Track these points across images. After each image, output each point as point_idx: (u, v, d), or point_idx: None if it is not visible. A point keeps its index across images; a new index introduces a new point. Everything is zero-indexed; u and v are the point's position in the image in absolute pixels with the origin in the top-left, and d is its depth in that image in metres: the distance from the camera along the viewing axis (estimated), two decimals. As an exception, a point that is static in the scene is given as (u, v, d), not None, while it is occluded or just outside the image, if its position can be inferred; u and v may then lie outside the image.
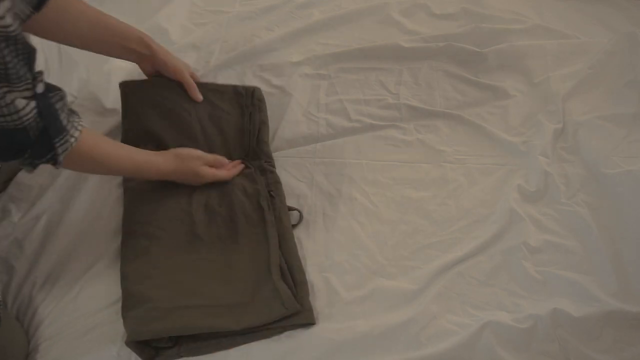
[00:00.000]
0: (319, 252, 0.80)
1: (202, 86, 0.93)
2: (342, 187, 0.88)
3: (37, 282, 0.75)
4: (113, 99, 0.99)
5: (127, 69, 1.07)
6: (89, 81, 1.03)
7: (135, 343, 0.67)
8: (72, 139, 0.67)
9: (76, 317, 0.72)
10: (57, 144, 0.64)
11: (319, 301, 0.74)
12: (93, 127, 0.94)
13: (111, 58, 1.07)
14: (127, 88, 0.92)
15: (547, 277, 0.75)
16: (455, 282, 0.76)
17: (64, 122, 0.65)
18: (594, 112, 0.95)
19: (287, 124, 0.97)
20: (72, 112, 0.68)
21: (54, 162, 0.66)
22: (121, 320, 0.70)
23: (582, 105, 0.96)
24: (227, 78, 1.06)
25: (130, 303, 0.71)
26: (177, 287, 0.73)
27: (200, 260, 0.77)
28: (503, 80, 1.04)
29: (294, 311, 0.70)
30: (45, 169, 0.87)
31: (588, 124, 0.93)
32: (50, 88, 0.65)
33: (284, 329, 0.70)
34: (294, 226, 0.83)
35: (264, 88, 1.04)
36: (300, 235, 0.82)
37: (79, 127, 0.68)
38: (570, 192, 0.85)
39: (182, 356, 0.68)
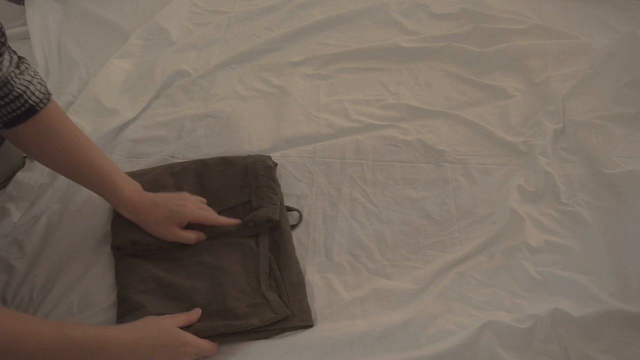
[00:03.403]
0: (319, 252, 0.80)
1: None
2: (342, 187, 0.88)
3: (37, 282, 0.75)
4: (113, 99, 0.99)
5: (127, 69, 1.07)
6: (89, 81, 1.04)
7: None
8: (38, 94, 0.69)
9: (76, 317, 0.72)
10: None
11: (319, 301, 0.74)
12: (93, 127, 0.95)
13: (111, 58, 1.08)
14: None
15: (547, 277, 0.75)
16: (455, 282, 0.76)
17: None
18: (594, 112, 0.95)
19: (287, 124, 0.97)
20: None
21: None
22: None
23: (582, 105, 0.96)
24: (227, 78, 1.06)
25: (123, 310, 0.71)
26: (168, 291, 0.73)
27: (191, 264, 0.77)
28: (503, 80, 1.04)
29: (283, 317, 0.70)
30: (45, 168, 0.88)
31: (588, 124, 0.93)
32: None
33: (282, 331, 0.70)
34: (294, 226, 0.83)
35: (264, 88, 1.05)
36: (300, 235, 0.82)
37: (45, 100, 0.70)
38: (570, 192, 0.85)
39: None
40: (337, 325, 0.71)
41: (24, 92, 0.68)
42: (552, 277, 0.75)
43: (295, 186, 0.88)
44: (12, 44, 1.17)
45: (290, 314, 0.71)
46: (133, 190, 0.78)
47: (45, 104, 0.71)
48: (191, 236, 0.78)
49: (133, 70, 1.07)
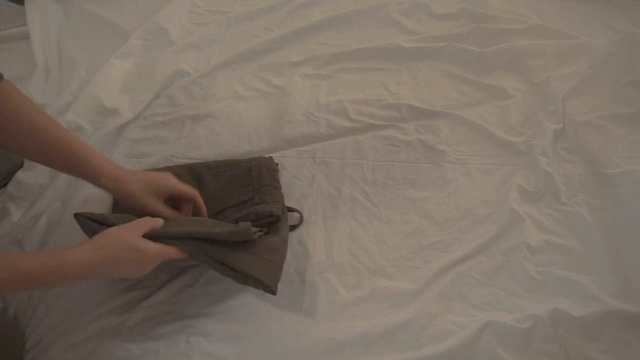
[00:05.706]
0: (319, 252, 0.80)
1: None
2: (342, 187, 0.88)
3: (37, 282, 0.75)
4: (113, 99, 0.99)
5: (127, 69, 1.07)
6: (89, 81, 1.04)
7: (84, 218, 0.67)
8: None
9: (76, 315, 0.72)
10: None
11: (319, 301, 0.74)
12: (93, 127, 0.95)
13: (111, 57, 1.08)
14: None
15: (547, 277, 0.75)
16: (456, 282, 0.76)
17: None
18: (594, 112, 0.95)
19: (287, 124, 0.97)
20: None
21: None
22: (122, 317, 0.71)
23: (582, 105, 0.96)
24: (227, 78, 1.06)
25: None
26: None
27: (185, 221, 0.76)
28: (503, 80, 1.04)
29: (245, 233, 0.68)
30: (45, 168, 0.88)
31: (588, 124, 0.93)
32: None
33: (246, 278, 0.68)
34: (295, 227, 0.83)
35: (264, 88, 1.05)
36: (300, 235, 0.82)
37: None
38: (570, 192, 0.85)
39: None
40: (337, 326, 0.71)
41: None
42: (552, 277, 0.75)
43: (295, 186, 0.88)
44: (12, 44, 1.17)
45: (253, 237, 0.69)
46: (111, 164, 0.73)
47: None
48: (167, 211, 0.74)
49: (133, 70, 1.07)
